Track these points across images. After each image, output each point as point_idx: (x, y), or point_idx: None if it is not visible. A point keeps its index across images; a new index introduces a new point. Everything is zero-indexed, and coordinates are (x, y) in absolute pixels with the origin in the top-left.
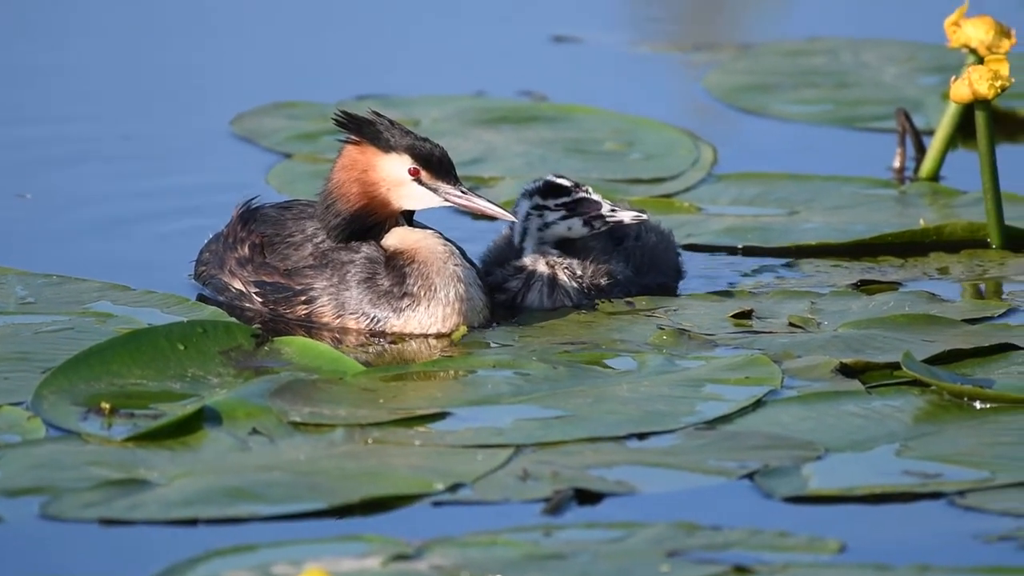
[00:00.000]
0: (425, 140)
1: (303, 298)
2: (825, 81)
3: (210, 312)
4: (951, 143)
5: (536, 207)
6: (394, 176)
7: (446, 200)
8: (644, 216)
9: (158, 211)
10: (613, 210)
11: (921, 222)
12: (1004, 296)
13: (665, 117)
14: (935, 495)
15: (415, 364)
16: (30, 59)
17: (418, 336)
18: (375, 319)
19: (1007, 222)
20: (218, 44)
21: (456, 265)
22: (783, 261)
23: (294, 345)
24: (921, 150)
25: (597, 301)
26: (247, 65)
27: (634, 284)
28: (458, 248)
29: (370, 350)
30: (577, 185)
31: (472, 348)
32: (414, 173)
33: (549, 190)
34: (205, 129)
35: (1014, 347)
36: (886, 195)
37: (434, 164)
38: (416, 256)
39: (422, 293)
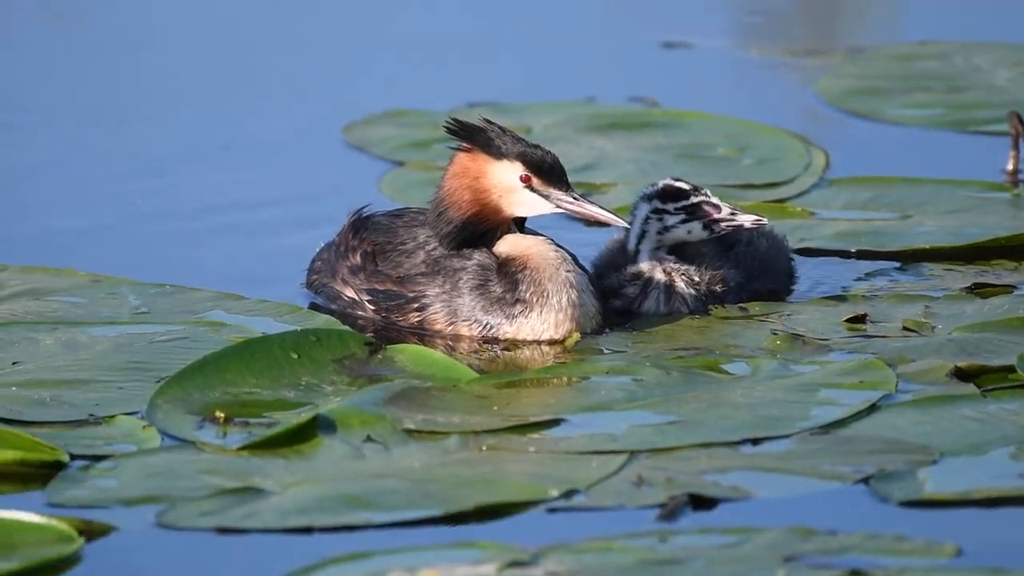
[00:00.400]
0: (536, 147)
1: (415, 305)
2: (937, 85)
3: (323, 320)
4: None
5: (656, 211)
6: (506, 183)
7: (558, 206)
8: (764, 220)
9: (270, 220)
10: (733, 214)
11: None
12: None
13: (777, 122)
14: None
15: (528, 371)
16: (146, 65)
17: (531, 343)
18: (488, 326)
19: None
20: (331, 53)
21: (568, 271)
22: (896, 265)
23: (407, 353)
24: None
25: (710, 306)
26: (359, 74)
27: (745, 289)
28: (570, 254)
29: (483, 357)
30: (697, 188)
31: (585, 354)
32: (525, 180)
33: (669, 193)
34: (318, 138)
35: None
36: (999, 198)
37: (545, 170)
38: (528, 262)
39: (535, 299)
